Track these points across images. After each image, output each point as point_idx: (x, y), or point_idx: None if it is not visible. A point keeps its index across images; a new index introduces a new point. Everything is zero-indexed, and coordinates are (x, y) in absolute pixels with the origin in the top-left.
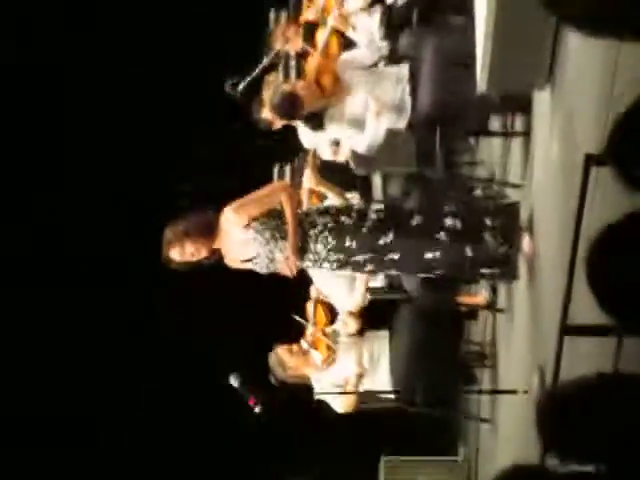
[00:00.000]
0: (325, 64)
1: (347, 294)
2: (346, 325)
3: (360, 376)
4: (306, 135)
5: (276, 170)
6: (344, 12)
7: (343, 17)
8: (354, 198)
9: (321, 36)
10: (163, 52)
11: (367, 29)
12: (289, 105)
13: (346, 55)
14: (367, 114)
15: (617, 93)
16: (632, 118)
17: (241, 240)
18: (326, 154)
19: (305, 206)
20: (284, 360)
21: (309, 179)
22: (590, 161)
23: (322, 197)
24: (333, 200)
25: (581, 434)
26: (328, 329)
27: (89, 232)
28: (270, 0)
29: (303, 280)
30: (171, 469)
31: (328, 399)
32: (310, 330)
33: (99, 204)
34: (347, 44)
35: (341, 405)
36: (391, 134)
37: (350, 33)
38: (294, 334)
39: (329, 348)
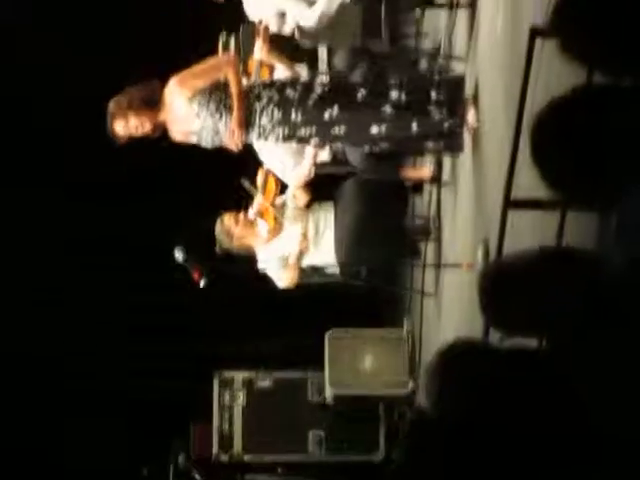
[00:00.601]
0: None
1: (292, 167)
2: (295, 197)
3: (302, 252)
4: (251, 5)
5: (221, 41)
6: None
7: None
8: (302, 70)
9: None
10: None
11: None
12: None
13: None
14: None
15: None
16: None
17: (185, 113)
18: (272, 25)
19: (254, 78)
20: (230, 228)
21: (260, 50)
22: (535, 34)
23: (271, 69)
24: (282, 72)
25: (523, 308)
26: (277, 200)
27: None
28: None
29: (253, 151)
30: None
31: (271, 272)
32: (258, 200)
33: None
34: None
35: (283, 279)
36: (337, 6)
37: None
38: (242, 203)
39: (276, 219)
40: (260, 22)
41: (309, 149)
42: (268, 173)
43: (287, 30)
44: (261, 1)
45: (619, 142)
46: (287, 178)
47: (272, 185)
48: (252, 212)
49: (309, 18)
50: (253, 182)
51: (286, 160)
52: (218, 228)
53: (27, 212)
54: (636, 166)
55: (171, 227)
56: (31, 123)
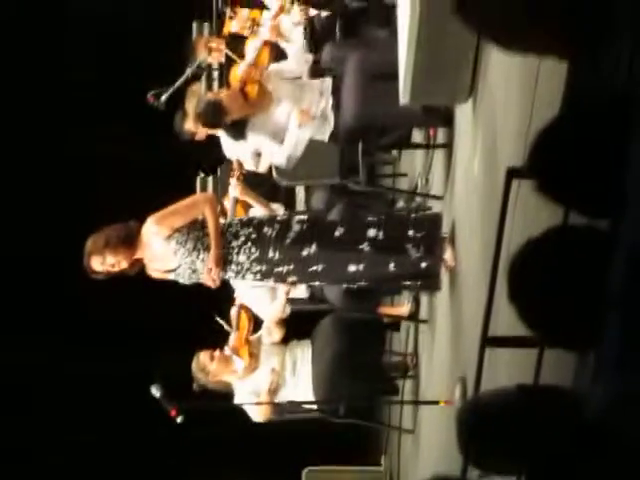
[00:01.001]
0: (251, 74)
1: (268, 304)
2: (270, 333)
3: (273, 387)
4: (229, 145)
5: (199, 181)
6: (278, 24)
7: (276, 29)
8: (278, 209)
9: (252, 46)
10: (88, 61)
11: (298, 42)
12: (213, 113)
13: (275, 66)
14: (289, 126)
15: (537, 107)
16: (552, 132)
17: (163, 251)
18: (249, 164)
19: (230, 216)
20: (206, 365)
21: (234, 188)
22: (511, 174)
23: (247, 207)
24: (258, 210)
25: (501, 446)
26: (252, 336)
27: None
28: (192, 12)
29: (228, 286)
30: None
31: (246, 408)
32: (233, 336)
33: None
34: (277, 55)
35: (257, 414)
36: (314, 146)
37: (283, 44)
38: (218, 340)
39: (251, 355)
40: (237, 161)
41: (281, 287)
42: (241, 309)
43: (263, 169)
44: (237, 141)
45: (595, 282)
46: (262, 314)
47: (245, 321)
48: (227, 348)
49: (279, 157)
50: (227, 318)
51: (262, 297)
52: (194, 365)
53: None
54: (611, 307)
55: (147, 365)
56: None
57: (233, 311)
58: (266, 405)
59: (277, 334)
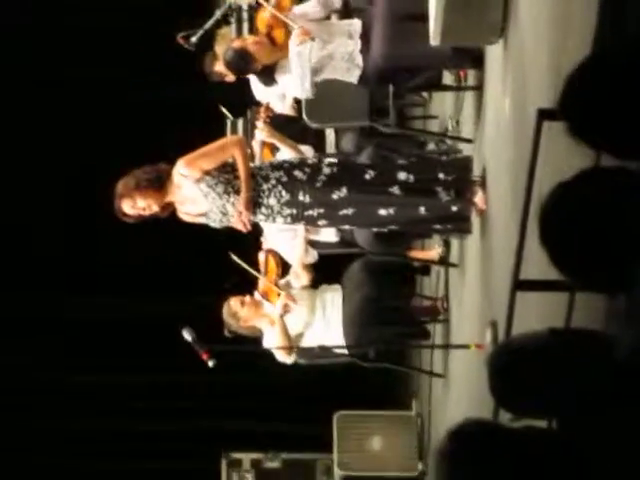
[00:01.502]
0: (277, 18)
1: (290, 248)
2: (298, 277)
3: (284, 313)
4: (258, 88)
5: (229, 123)
6: None
7: None
8: (307, 151)
9: None
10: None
11: None
12: (241, 61)
13: (297, 9)
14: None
15: (569, 48)
16: (583, 73)
17: (193, 194)
18: (278, 107)
19: (258, 158)
20: (236, 311)
21: (261, 131)
22: (542, 116)
23: (275, 150)
24: (286, 153)
25: (533, 389)
26: (281, 281)
27: None
28: None
29: (256, 231)
30: None
31: (274, 351)
32: (262, 281)
33: None
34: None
35: (284, 355)
36: (343, 88)
37: None
38: (248, 285)
39: (289, 297)
40: (265, 104)
41: (301, 231)
42: (269, 253)
43: (288, 109)
44: (268, 86)
45: (627, 225)
46: (290, 258)
47: (273, 265)
48: (257, 293)
49: (295, 89)
50: (255, 262)
51: (288, 240)
52: (225, 311)
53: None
54: None
55: (179, 308)
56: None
57: (261, 256)
58: (281, 334)
59: (305, 278)
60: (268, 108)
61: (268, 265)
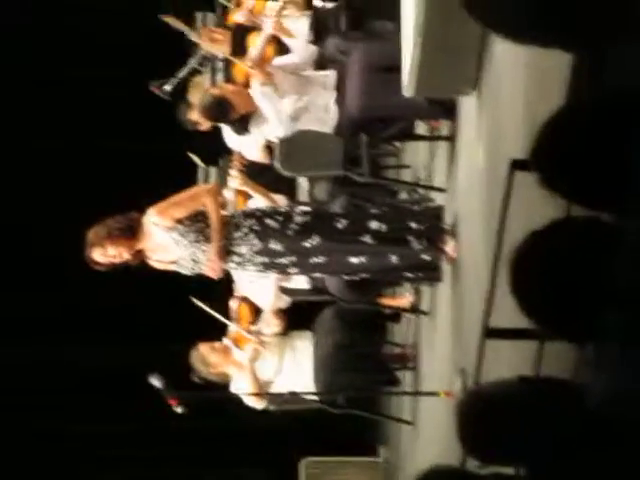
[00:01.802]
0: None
1: (263, 293)
2: (269, 324)
3: (254, 358)
4: (231, 137)
5: (200, 172)
6: (282, 18)
7: (281, 23)
8: (280, 200)
9: (257, 41)
10: (92, 50)
11: (301, 35)
12: (219, 108)
13: (279, 60)
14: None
15: (542, 100)
16: (556, 125)
17: (165, 242)
18: (252, 155)
19: (231, 206)
20: (206, 357)
21: (235, 179)
22: (514, 166)
23: (247, 197)
24: (258, 200)
25: (501, 437)
26: (252, 327)
27: None
28: (197, 1)
29: (228, 279)
30: None
31: (244, 398)
32: (232, 328)
33: None
34: (281, 50)
35: (255, 401)
36: (317, 138)
37: (286, 39)
38: (218, 333)
39: (260, 344)
40: (238, 153)
41: (274, 277)
42: (241, 300)
43: (262, 159)
44: (241, 135)
45: (596, 276)
46: (262, 304)
47: (245, 312)
48: (226, 340)
49: (273, 131)
50: (227, 311)
51: (260, 287)
52: (194, 357)
53: None
54: (613, 298)
55: (147, 355)
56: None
57: (233, 303)
58: (251, 381)
59: (276, 325)
60: (242, 156)
61: (240, 312)
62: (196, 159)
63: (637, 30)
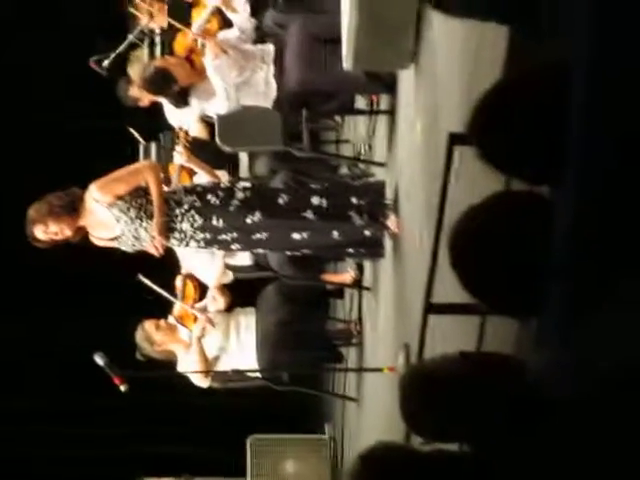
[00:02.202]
0: (197, 42)
1: (208, 269)
2: (215, 301)
3: (216, 358)
4: (173, 112)
5: (142, 148)
6: None
7: None
8: (223, 176)
9: (200, 14)
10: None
11: (243, 9)
12: (162, 80)
13: (220, 35)
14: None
15: (479, 73)
16: (493, 98)
17: (106, 219)
18: (193, 130)
19: (174, 182)
20: (151, 335)
21: (181, 155)
22: (453, 140)
23: (192, 174)
24: (203, 177)
25: (443, 413)
26: (198, 305)
27: None
28: None
29: (172, 255)
30: None
31: (190, 375)
32: (178, 305)
33: None
34: (224, 24)
35: (200, 379)
36: (256, 112)
37: (230, 14)
38: (162, 310)
39: (207, 321)
40: (180, 128)
41: (220, 252)
42: (187, 277)
43: (200, 134)
44: (180, 108)
45: (535, 249)
46: (206, 280)
47: (191, 289)
48: (171, 317)
49: (219, 105)
50: (172, 287)
51: (204, 262)
52: (139, 335)
53: None
54: (553, 271)
55: (92, 333)
56: None
57: (178, 280)
58: (199, 360)
59: (221, 302)
60: (187, 132)
61: (186, 289)
62: (136, 135)
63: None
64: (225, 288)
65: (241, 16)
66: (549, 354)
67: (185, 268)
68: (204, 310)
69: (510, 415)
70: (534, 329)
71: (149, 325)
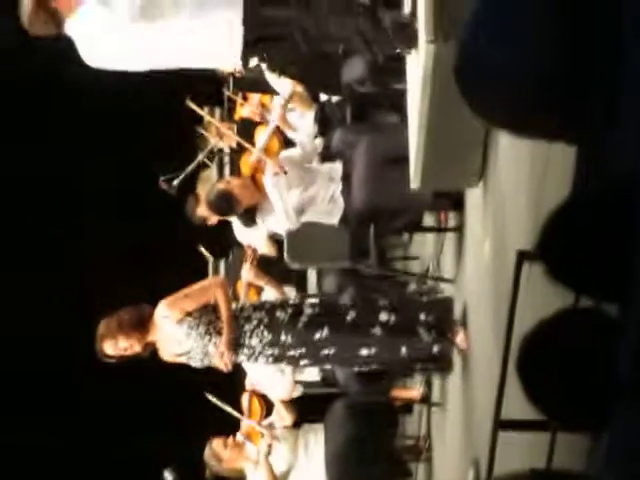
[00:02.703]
0: (261, 162)
1: (277, 384)
2: (281, 417)
3: (285, 474)
4: (241, 229)
5: (211, 265)
6: (286, 111)
7: (284, 116)
8: (290, 292)
9: (262, 134)
10: (101, 149)
11: (306, 129)
12: (224, 203)
13: (285, 153)
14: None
15: (547, 191)
16: (561, 216)
17: (175, 334)
18: (261, 248)
19: (242, 299)
20: (219, 453)
21: (248, 272)
22: (522, 257)
23: (260, 290)
24: (270, 293)
25: None
26: (264, 421)
27: None
28: (203, 97)
29: (238, 373)
30: None
31: None
32: (244, 422)
33: None
34: (286, 144)
35: None
36: (324, 230)
37: (290, 133)
38: (231, 427)
39: (273, 438)
40: (249, 246)
41: (289, 368)
42: (252, 394)
43: (269, 251)
44: (249, 227)
45: (603, 366)
46: (274, 395)
47: (257, 406)
48: (239, 435)
49: (281, 223)
50: (238, 405)
51: (272, 378)
52: (207, 453)
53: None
54: (619, 385)
55: (161, 450)
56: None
57: (245, 398)
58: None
59: (288, 418)
60: (255, 250)
61: (252, 406)
62: (205, 252)
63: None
64: (290, 404)
65: (303, 135)
66: (619, 471)
67: (252, 382)
68: (271, 427)
69: None
70: (603, 447)
71: (217, 443)
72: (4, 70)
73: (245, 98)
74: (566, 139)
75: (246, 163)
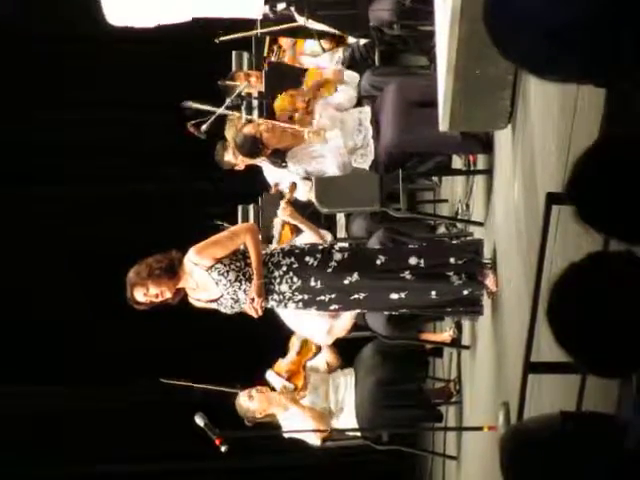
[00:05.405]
0: (298, 103)
1: (317, 329)
2: (327, 360)
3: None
4: (271, 170)
5: (240, 210)
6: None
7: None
8: (326, 235)
9: (311, 80)
10: (129, 88)
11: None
12: (251, 146)
13: (330, 98)
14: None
15: (577, 132)
16: (591, 158)
17: (205, 281)
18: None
19: (276, 238)
20: (249, 407)
21: (284, 211)
22: (551, 200)
23: (295, 231)
24: (307, 236)
25: (543, 473)
26: (309, 363)
27: None
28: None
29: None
30: None
31: (299, 435)
32: (291, 359)
33: None
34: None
35: (314, 438)
36: (354, 174)
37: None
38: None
39: (303, 383)
40: (276, 184)
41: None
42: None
43: (303, 197)
44: (279, 168)
45: (634, 310)
46: (317, 339)
47: (310, 348)
48: (269, 372)
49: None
50: (286, 346)
51: (313, 322)
52: (238, 410)
53: None
54: None
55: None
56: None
57: (295, 338)
58: (312, 418)
59: (334, 360)
60: (294, 185)
61: (305, 346)
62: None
63: None
64: (335, 348)
65: (348, 88)
66: None
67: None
68: (314, 370)
69: (613, 474)
70: (635, 390)
71: (243, 398)
72: None
73: (276, 43)
74: (595, 81)
75: (280, 107)
